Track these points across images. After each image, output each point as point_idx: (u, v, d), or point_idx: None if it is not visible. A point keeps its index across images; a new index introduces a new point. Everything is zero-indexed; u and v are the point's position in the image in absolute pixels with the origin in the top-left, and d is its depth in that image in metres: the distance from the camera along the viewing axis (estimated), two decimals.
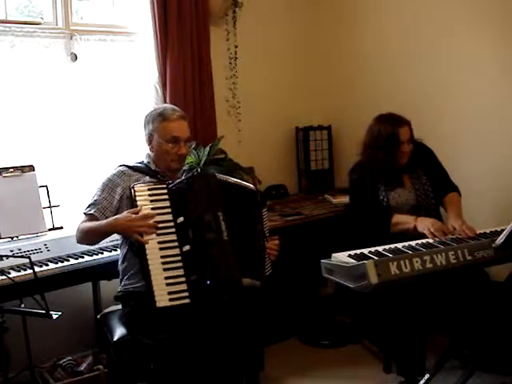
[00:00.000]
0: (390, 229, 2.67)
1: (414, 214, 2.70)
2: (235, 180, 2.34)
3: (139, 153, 3.05)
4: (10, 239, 2.60)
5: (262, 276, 2.24)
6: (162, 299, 2.03)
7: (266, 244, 2.33)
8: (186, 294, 2.06)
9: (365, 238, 2.70)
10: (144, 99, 3.24)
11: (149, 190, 2.19)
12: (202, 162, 3.04)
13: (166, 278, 2.06)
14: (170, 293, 2.04)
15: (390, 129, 2.66)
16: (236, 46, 3.62)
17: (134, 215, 2.13)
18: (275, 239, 2.40)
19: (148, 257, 2.08)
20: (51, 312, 2.02)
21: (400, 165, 2.75)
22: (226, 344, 2.15)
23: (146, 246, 2.09)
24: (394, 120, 2.69)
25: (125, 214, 2.18)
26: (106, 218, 2.27)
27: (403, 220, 2.65)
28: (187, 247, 2.11)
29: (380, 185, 2.76)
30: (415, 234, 2.54)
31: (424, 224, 2.53)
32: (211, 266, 2.07)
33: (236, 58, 3.63)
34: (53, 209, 2.80)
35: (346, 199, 3.51)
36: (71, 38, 3.01)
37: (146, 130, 2.42)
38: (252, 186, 2.39)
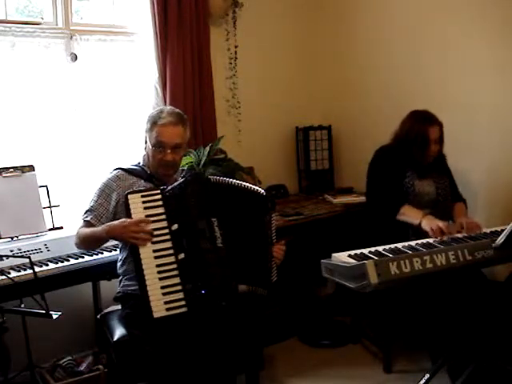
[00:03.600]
0: (397, 215, 2.72)
1: (432, 205, 2.79)
2: (239, 183, 2.26)
3: (139, 153, 3.05)
4: (10, 239, 2.60)
5: (266, 283, 2.20)
6: (159, 309, 2.01)
7: (272, 250, 2.27)
8: (183, 302, 2.04)
9: (376, 221, 2.84)
10: (144, 99, 3.24)
11: (142, 197, 2.14)
12: (202, 162, 3.04)
13: (162, 287, 2.04)
14: (166, 302, 2.02)
15: (421, 126, 2.75)
16: (236, 46, 3.62)
17: (128, 220, 2.11)
18: (281, 244, 2.33)
19: (144, 266, 2.05)
20: (51, 312, 2.01)
21: (424, 162, 2.81)
22: (225, 346, 2.14)
23: (142, 255, 2.06)
24: (426, 118, 2.78)
25: (120, 220, 2.16)
26: (103, 224, 2.24)
27: (411, 213, 2.69)
28: (182, 255, 2.08)
29: (408, 170, 2.82)
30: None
31: (428, 224, 2.56)
32: (205, 274, 2.05)
33: (236, 58, 3.63)
34: (53, 209, 2.80)
35: (345, 199, 3.53)
36: (71, 38, 3.01)
37: None
38: (261, 190, 2.26)
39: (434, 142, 2.75)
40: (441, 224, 2.52)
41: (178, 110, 2.40)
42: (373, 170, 2.93)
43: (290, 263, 2.36)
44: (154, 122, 2.32)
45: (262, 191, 2.27)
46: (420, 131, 2.74)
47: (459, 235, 2.54)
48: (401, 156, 2.82)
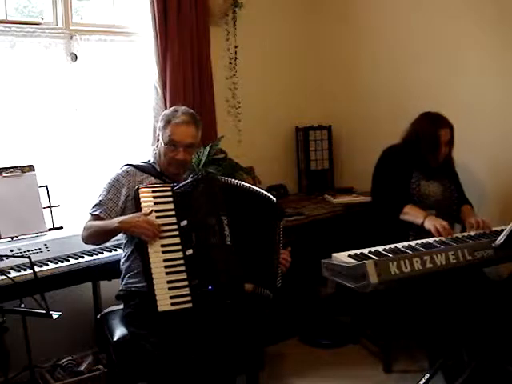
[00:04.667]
0: (400, 214, 2.72)
1: (437, 207, 2.79)
2: (250, 186, 2.27)
3: (139, 153, 3.06)
4: (10, 239, 2.60)
5: (272, 286, 2.20)
6: (164, 303, 2.02)
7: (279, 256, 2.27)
8: (189, 298, 2.05)
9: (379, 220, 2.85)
10: (144, 99, 3.24)
11: (153, 192, 2.17)
12: (202, 162, 3.04)
13: (169, 281, 2.05)
14: (172, 297, 2.03)
15: (432, 128, 2.76)
16: (236, 46, 3.62)
17: (142, 216, 2.12)
18: (286, 252, 2.34)
19: (151, 260, 2.06)
20: (51, 312, 2.01)
21: (434, 164, 2.81)
22: (225, 346, 2.14)
23: (150, 249, 2.08)
24: (438, 120, 2.79)
25: (134, 214, 2.16)
26: (112, 218, 2.26)
27: (414, 213, 2.70)
28: (190, 251, 2.09)
29: (415, 170, 2.83)
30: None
31: (432, 222, 2.57)
32: (213, 270, 2.05)
33: (236, 58, 3.63)
34: (53, 209, 2.80)
35: (345, 199, 3.53)
36: (71, 38, 3.01)
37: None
38: (272, 196, 2.30)
39: (444, 144, 2.76)
40: (444, 223, 2.53)
41: (192, 111, 2.42)
42: (380, 168, 2.94)
43: (290, 263, 2.36)
44: (167, 121, 2.34)
45: (274, 198, 2.30)
46: (431, 133, 2.74)
47: (459, 235, 2.55)
48: (409, 157, 2.83)
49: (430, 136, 2.75)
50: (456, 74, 3.21)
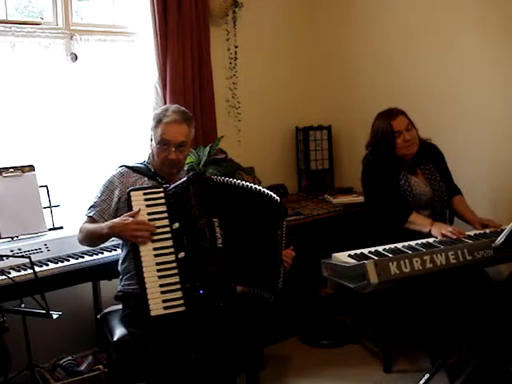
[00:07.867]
0: (405, 224, 2.68)
1: (430, 206, 2.77)
2: (250, 185, 2.20)
3: (139, 153, 3.06)
4: (10, 239, 2.60)
5: (273, 288, 2.15)
6: (156, 307, 2.00)
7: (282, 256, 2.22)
8: (181, 301, 2.02)
9: (381, 230, 2.78)
10: (144, 99, 3.25)
11: (144, 194, 2.14)
12: (202, 162, 3.04)
13: (161, 285, 2.03)
14: (164, 301, 2.01)
15: (384, 123, 2.75)
16: (236, 46, 3.62)
17: (130, 218, 2.10)
18: (290, 249, 2.31)
19: (143, 264, 2.04)
20: (51, 312, 2.02)
21: (410, 154, 2.78)
22: (225, 346, 2.14)
23: (142, 252, 2.06)
24: (387, 114, 2.78)
25: (122, 217, 2.15)
26: (105, 220, 2.26)
27: (420, 222, 2.66)
28: (182, 254, 2.07)
29: (400, 171, 2.78)
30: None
31: (439, 229, 2.54)
32: (203, 274, 2.03)
33: (236, 58, 3.63)
34: (53, 209, 2.81)
35: (345, 199, 3.53)
36: (71, 38, 3.01)
37: None
38: (274, 195, 2.23)
39: (403, 131, 2.71)
40: (450, 228, 2.51)
41: (183, 109, 2.40)
42: (368, 182, 2.88)
43: (292, 259, 2.36)
44: (158, 120, 2.33)
45: (276, 198, 2.23)
46: (385, 128, 2.73)
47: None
48: (387, 160, 2.78)
49: (385, 132, 2.72)
50: (456, 74, 3.21)
